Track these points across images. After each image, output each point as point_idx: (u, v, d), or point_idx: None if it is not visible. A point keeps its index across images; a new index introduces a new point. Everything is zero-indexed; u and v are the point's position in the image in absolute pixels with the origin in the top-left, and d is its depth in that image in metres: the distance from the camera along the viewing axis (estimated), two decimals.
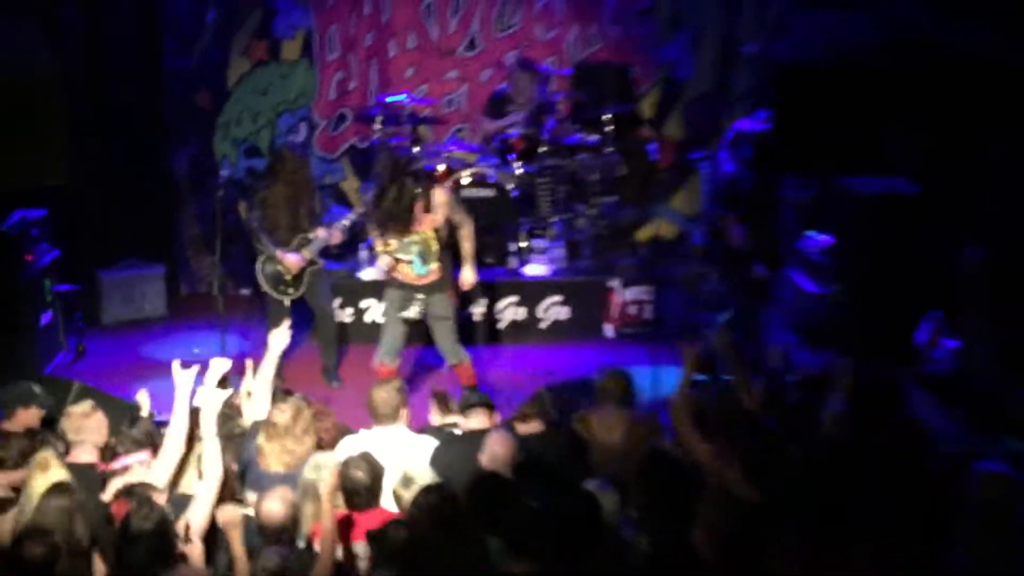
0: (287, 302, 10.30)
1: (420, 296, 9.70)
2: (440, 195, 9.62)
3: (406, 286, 9.71)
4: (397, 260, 9.63)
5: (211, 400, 6.96)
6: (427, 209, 9.52)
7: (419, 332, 10.41)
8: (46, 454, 6.89)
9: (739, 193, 11.21)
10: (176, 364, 7.25)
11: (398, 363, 9.93)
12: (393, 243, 9.59)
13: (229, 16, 13.30)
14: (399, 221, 9.49)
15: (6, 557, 6.11)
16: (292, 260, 10.21)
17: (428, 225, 9.56)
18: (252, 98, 13.52)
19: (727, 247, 11.22)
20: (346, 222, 10.38)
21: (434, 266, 9.63)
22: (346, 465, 6.67)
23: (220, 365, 7.45)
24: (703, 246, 12.07)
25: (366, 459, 6.71)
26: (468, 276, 9.87)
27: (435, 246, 9.61)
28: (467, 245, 9.81)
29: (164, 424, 7.48)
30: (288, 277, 10.27)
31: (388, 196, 9.48)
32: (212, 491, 6.65)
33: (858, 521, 6.07)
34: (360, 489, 6.61)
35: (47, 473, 6.70)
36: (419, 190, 9.50)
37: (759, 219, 11.06)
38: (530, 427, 7.76)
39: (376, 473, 6.68)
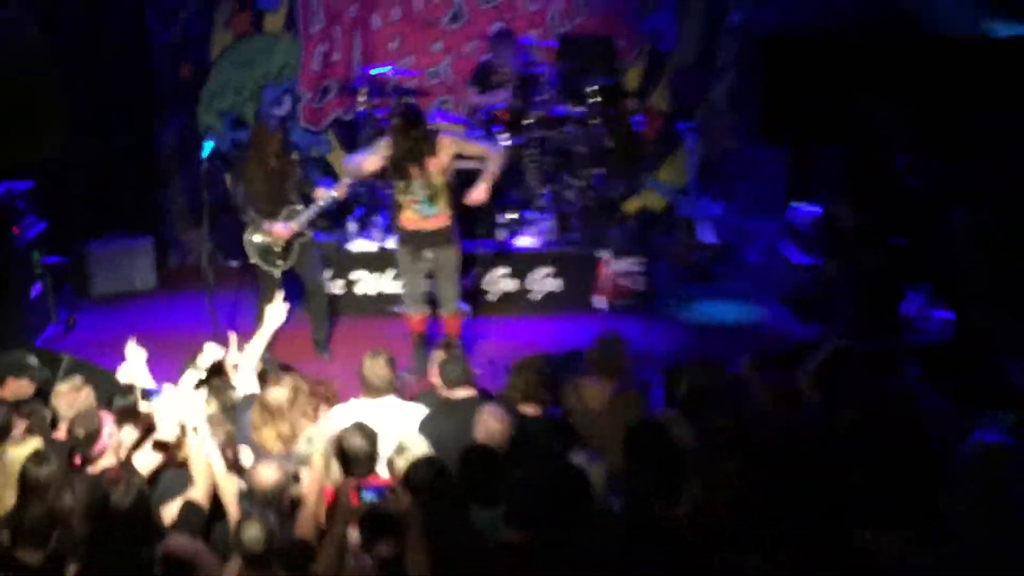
0: (277, 274, 10.28)
1: (429, 254, 9.94)
2: (444, 139, 9.78)
3: (416, 239, 9.89)
4: (407, 203, 9.80)
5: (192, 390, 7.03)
6: (432, 151, 9.63)
7: None
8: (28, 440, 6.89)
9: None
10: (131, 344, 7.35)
11: (424, 311, 10.23)
12: (403, 185, 9.76)
13: None
14: (408, 160, 9.64)
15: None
16: (279, 230, 10.21)
17: (435, 167, 9.68)
18: (236, 70, 13.51)
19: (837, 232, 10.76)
20: (335, 192, 10.37)
21: (440, 209, 9.79)
22: (342, 436, 6.71)
23: (213, 351, 7.50)
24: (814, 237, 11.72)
25: (360, 427, 6.75)
26: (479, 192, 9.91)
27: (442, 189, 9.76)
28: (491, 165, 9.90)
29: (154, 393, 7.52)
30: (277, 249, 10.28)
31: (398, 141, 9.63)
32: (201, 473, 6.63)
33: (849, 499, 6.12)
34: (360, 456, 6.64)
35: (23, 446, 6.71)
36: (423, 133, 9.65)
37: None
38: (533, 409, 7.78)
39: (372, 440, 6.71)
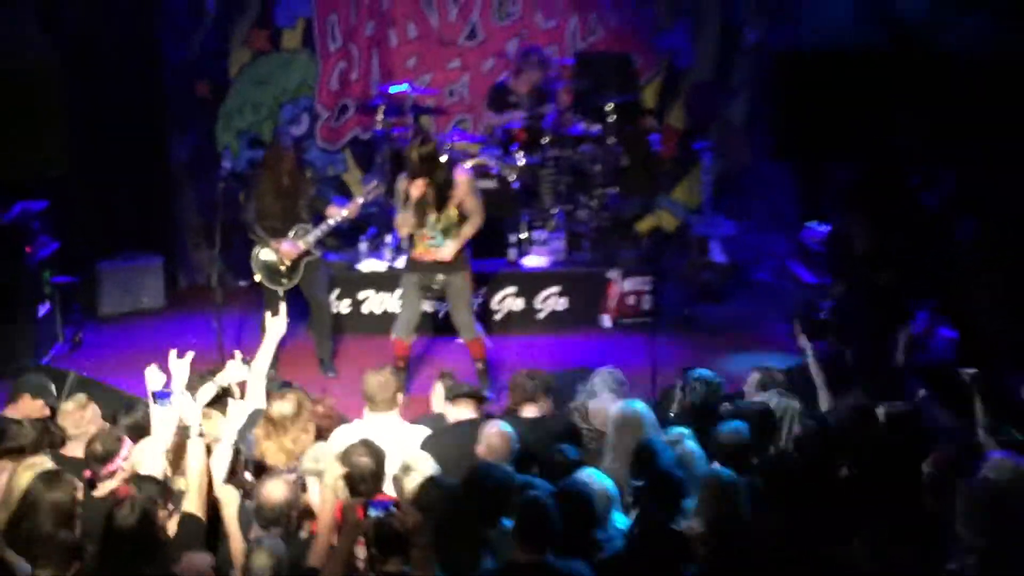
0: (281, 292, 10.26)
1: (440, 277, 9.93)
2: (462, 177, 9.86)
3: (425, 267, 9.90)
4: (420, 237, 9.82)
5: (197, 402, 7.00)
6: (451, 191, 9.70)
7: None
8: (40, 458, 6.89)
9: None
10: (173, 354, 7.25)
11: (412, 340, 10.20)
12: (423, 224, 9.77)
13: (229, 5, 13.28)
14: (429, 205, 9.67)
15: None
16: (287, 249, 10.20)
17: (451, 206, 9.76)
18: (253, 88, 13.51)
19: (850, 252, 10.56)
20: (346, 212, 10.35)
21: (452, 242, 9.81)
22: (348, 453, 6.64)
23: (237, 370, 7.51)
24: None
25: (367, 444, 6.68)
26: (447, 250, 9.88)
27: (455, 223, 9.80)
28: (467, 229, 9.90)
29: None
30: (283, 267, 10.26)
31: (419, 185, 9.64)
32: (196, 484, 6.59)
33: (856, 512, 6.06)
34: (366, 475, 6.56)
35: (33, 464, 6.70)
36: (444, 177, 9.69)
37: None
38: (535, 409, 7.83)
39: (379, 458, 6.64)
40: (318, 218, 10.32)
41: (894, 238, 9.76)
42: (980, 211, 9.35)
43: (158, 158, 13.20)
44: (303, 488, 6.68)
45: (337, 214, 10.29)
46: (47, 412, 7.90)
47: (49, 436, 7.47)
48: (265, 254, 10.28)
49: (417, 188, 9.63)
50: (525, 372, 8.11)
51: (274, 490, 6.37)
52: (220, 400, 7.53)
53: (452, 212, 9.76)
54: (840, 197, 10.41)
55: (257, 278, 10.38)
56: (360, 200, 10.52)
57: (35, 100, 10.89)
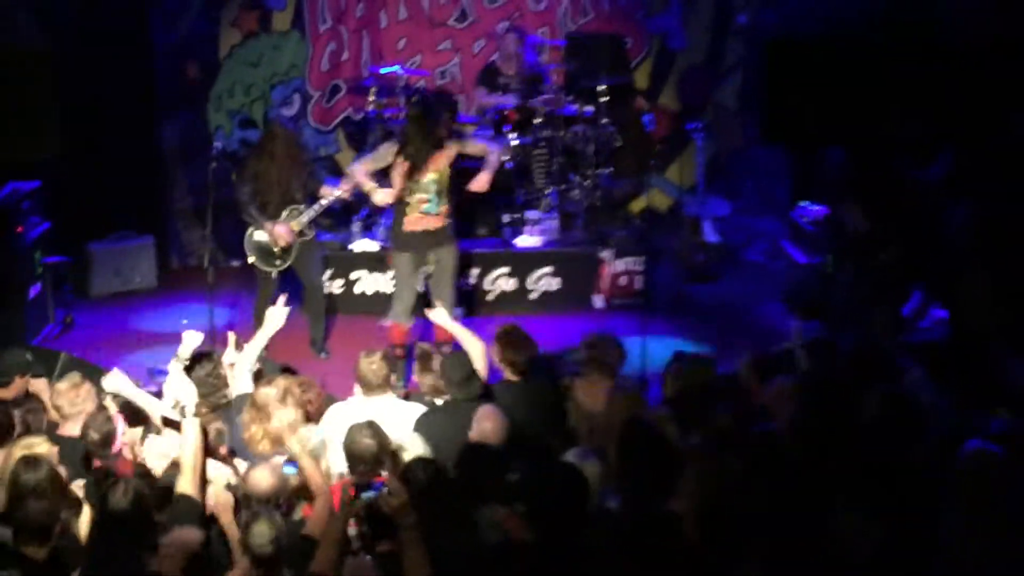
0: (275, 274, 10.28)
1: (431, 256, 9.96)
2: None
3: (418, 240, 9.89)
4: (415, 202, 9.80)
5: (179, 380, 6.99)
6: (441, 144, 9.70)
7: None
8: (35, 439, 6.87)
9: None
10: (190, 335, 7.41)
11: (412, 322, 10.14)
12: (412, 184, 9.76)
13: None
14: (425, 151, 9.68)
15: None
16: (280, 231, 10.19)
17: (444, 161, 9.75)
18: (244, 70, 13.50)
19: (845, 234, 10.59)
20: (339, 192, 10.37)
21: (443, 207, 9.84)
22: (352, 432, 6.65)
23: (192, 338, 7.48)
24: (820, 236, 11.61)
25: (372, 426, 6.67)
26: (480, 182, 10.02)
27: (447, 185, 9.82)
28: (492, 158, 10.03)
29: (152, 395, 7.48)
30: (276, 249, 10.26)
31: (415, 131, 9.71)
32: (191, 464, 6.54)
33: (844, 495, 6.07)
34: (367, 456, 6.57)
35: (31, 445, 6.67)
36: (439, 125, 9.71)
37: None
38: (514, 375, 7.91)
39: (382, 441, 6.63)
40: (311, 199, 10.31)
41: (891, 217, 9.76)
42: (974, 191, 9.35)
43: (149, 139, 13.19)
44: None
45: (330, 194, 10.30)
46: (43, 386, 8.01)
47: (37, 418, 7.50)
48: (259, 235, 10.26)
49: (412, 137, 9.73)
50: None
51: (260, 479, 6.39)
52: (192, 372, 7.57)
53: (445, 171, 9.76)
54: (835, 178, 10.40)
55: (251, 260, 10.36)
56: (352, 181, 10.46)
57: (26, 82, 10.85)
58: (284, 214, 10.22)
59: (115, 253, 12.51)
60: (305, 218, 10.25)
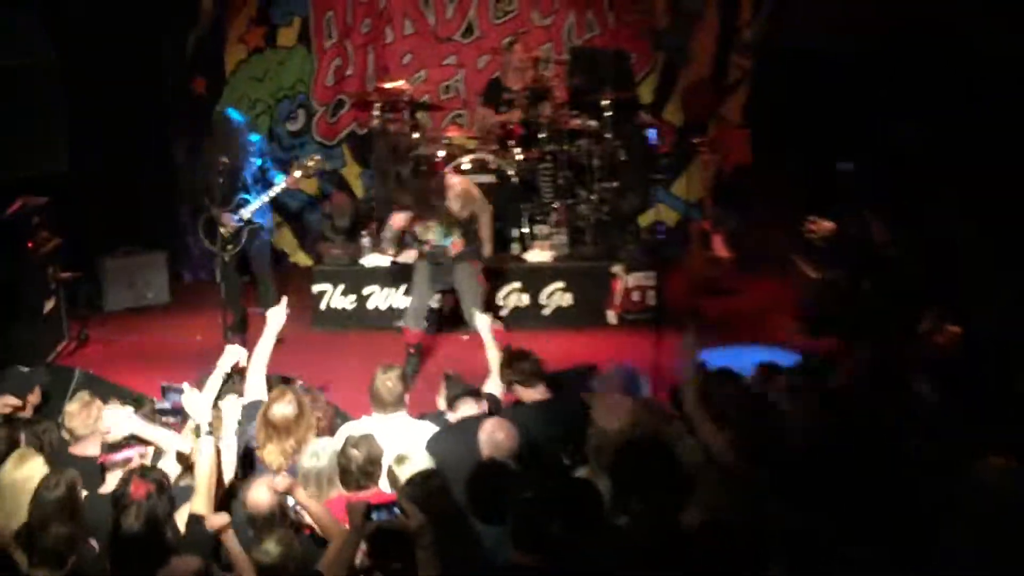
0: (227, 258, 10.75)
1: (448, 267, 10.21)
2: (452, 182, 10.14)
3: (435, 256, 10.18)
4: (426, 238, 10.18)
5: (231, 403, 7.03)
6: (441, 197, 9.94)
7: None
8: (25, 450, 6.93)
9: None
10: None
11: (423, 327, 10.49)
12: (423, 228, 10.13)
13: (225, 2, 13.33)
14: (426, 212, 10.03)
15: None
16: (226, 219, 10.66)
17: (451, 210, 10.02)
18: (250, 85, 13.56)
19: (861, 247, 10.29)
20: (284, 184, 10.85)
21: (456, 239, 10.09)
22: (345, 443, 6.70)
23: (234, 353, 7.52)
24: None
25: (366, 439, 6.73)
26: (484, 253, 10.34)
27: (456, 221, 10.06)
28: (484, 232, 10.32)
29: (165, 412, 7.50)
30: (225, 234, 10.67)
31: (403, 186, 10.25)
32: (205, 484, 6.59)
33: (853, 511, 6.07)
34: (352, 467, 6.62)
35: (24, 464, 6.73)
36: (428, 182, 10.13)
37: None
38: (536, 393, 7.86)
39: (372, 454, 6.68)
40: (259, 189, 10.77)
41: (905, 232, 9.77)
42: (984, 207, 9.37)
43: (161, 154, 13.24)
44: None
45: (276, 187, 10.80)
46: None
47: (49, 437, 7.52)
48: (210, 223, 10.73)
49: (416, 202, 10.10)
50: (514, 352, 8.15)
51: (259, 496, 6.37)
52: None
53: (453, 215, 10.01)
54: (849, 192, 10.40)
55: (206, 243, 10.83)
56: (298, 173, 10.88)
57: (36, 97, 10.92)
58: (232, 203, 10.67)
59: (128, 268, 12.55)
60: (249, 209, 10.72)
